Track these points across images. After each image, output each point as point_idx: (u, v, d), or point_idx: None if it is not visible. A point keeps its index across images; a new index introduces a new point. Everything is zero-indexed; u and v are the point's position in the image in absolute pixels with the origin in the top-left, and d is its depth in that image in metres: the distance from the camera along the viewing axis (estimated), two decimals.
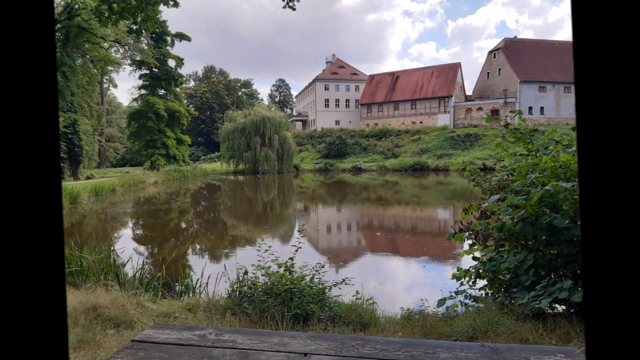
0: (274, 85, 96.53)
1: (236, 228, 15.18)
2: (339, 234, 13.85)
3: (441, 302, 4.21)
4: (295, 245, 5.23)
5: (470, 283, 4.54)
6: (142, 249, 11.51)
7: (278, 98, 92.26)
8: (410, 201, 22.37)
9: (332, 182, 34.71)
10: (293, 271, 4.69)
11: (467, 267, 4.62)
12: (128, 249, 9.29)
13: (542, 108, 51.35)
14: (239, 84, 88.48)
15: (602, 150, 0.47)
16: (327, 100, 65.94)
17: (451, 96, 54.34)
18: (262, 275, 4.73)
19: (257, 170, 42.25)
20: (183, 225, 16.33)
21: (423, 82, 58.15)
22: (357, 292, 4.85)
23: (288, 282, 4.37)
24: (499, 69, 54.82)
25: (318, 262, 5.14)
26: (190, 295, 5.78)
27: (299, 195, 27.08)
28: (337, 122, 63.86)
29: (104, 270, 6.01)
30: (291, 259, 4.86)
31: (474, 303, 4.31)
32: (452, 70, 56.93)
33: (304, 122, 71.50)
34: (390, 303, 5.39)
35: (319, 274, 4.85)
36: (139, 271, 6.20)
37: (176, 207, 20.46)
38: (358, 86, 66.31)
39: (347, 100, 66.63)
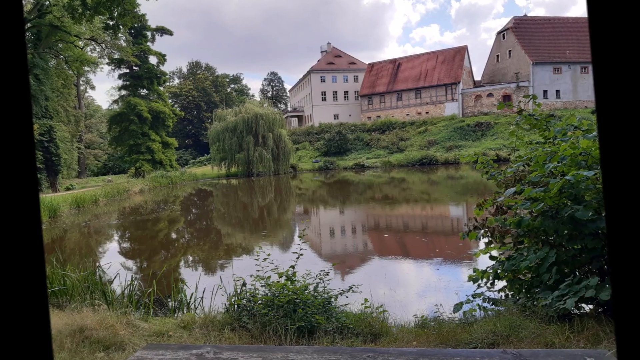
0: (265, 80, 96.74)
1: (231, 236, 15.19)
2: (343, 237, 13.85)
3: (457, 306, 4.21)
4: (296, 252, 5.23)
5: (488, 285, 4.54)
6: (130, 263, 11.52)
7: (270, 93, 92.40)
8: (419, 198, 22.38)
9: (334, 182, 34.75)
10: (295, 280, 4.69)
11: (484, 268, 4.63)
12: (115, 264, 9.29)
13: (557, 91, 51.39)
14: (228, 80, 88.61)
15: (625, 132, 0.47)
16: (323, 93, 66.02)
17: (458, 82, 54.40)
18: (262, 286, 4.74)
19: (252, 172, 42.30)
20: (173, 235, 16.34)
21: (427, 69, 58.21)
22: (366, 300, 4.86)
23: (290, 293, 4.37)
24: (509, 51, 54.86)
25: (322, 269, 5.15)
26: (185, 311, 5.78)
27: (298, 198, 27.12)
28: (336, 117, 63.94)
29: (90, 289, 6.01)
30: (292, 267, 4.87)
31: (493, 306, 4.31)
32: (458, 55, 56.98)
33: (300, 118, 71.61)
34: (403, 310, 5.40)
35: (323, 282, 4.85)
36: (128, 288, 6.20)
37: (165, 216, 20.47)
38: (357, 76, 66.38)
39: (346, 92, 66.70)
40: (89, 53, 37.01)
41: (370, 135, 52.95)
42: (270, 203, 24.80)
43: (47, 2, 27.96)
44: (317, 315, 4.21)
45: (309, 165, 48.17)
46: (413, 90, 58.12)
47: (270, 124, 43.31)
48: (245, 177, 41.96)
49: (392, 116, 57.35)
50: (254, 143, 42.18)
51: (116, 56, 39.42)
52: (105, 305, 5.11)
